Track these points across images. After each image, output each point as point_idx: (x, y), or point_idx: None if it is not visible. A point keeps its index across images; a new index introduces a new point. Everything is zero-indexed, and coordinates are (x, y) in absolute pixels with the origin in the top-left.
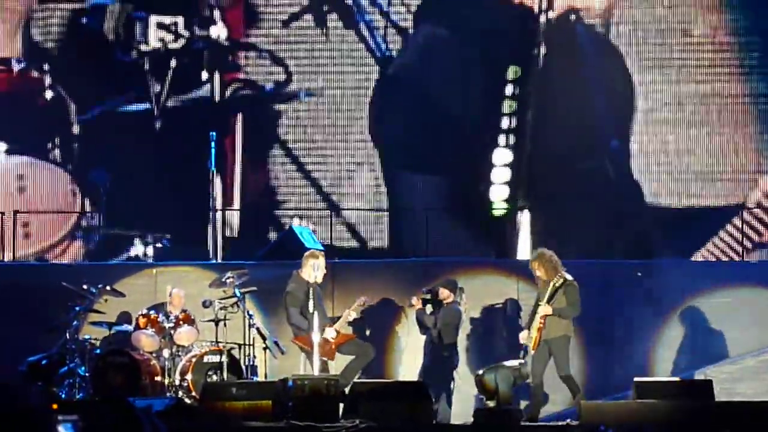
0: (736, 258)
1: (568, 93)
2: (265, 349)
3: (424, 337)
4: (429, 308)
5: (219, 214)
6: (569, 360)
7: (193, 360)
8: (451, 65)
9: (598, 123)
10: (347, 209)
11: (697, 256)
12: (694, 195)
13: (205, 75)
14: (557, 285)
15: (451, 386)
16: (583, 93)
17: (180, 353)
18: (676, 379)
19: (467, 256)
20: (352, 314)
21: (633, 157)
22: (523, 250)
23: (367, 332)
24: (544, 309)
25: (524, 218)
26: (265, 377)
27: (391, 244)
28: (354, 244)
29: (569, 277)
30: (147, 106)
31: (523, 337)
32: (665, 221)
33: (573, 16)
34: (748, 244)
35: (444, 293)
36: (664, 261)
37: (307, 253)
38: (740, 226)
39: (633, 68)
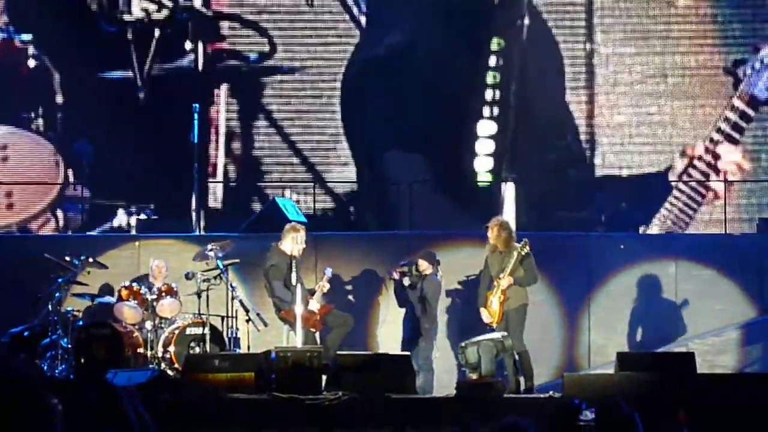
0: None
1: (549, 64)
2: (248, 321)
3: (404, 309)
4: (406, 280)
5: (202, 185)
6: (523, 330)
7: (176, 332)
8: (434, 37)
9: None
10: (331, 181)
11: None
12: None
13: (189, 45)
14: (522, 255)
15: (432, 358)
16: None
17: (162, 325)
18: (658, 351)
19: (450, 230)
20: (326, 285)
21: (614, 130)
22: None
23: (349, 304)
24: (506, 280)
25: (509, 190)
26: (248, 349)
27: (375, 216)
28: (337, 215)
29: (517, 243)
30: (130, 75)
31: (485, 317)
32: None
33: None
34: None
35: (423, 265)
36: (647, 235)
37: (287, 226)
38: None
39: (616, 39)
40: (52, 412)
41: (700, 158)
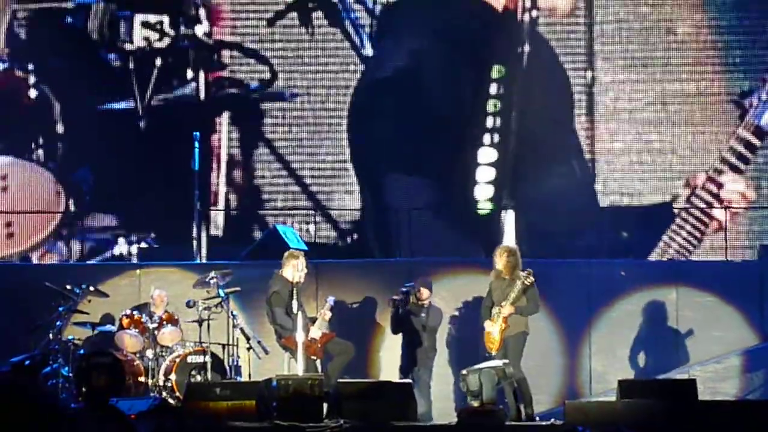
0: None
1: (550, 91)
2: (248, 349)
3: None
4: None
5: (203, 214)
6: (521, 358)
7: (177, 360)
8: (435, 65)
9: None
10: (332, 209)
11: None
12: (678, 194)
13: (190, 74)
14: (527, 284)
15: (430, 386)
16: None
17: (164, 353)
18: (660, 378)
19: (451, 256)
20: (328, 314)
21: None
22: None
23: (351, 331)
24: (508, 309)
25: (509, 217)
26: (249, 377)
27: (376, 243)
28: (339, 243)
29: (531, 278)
30: (131, 104)
31: (488, 344)
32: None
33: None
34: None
35: (426, 294)
36: (648, 261)
37: (287, 254)
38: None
39: (617, 67)
40: None
41: (703, 187)
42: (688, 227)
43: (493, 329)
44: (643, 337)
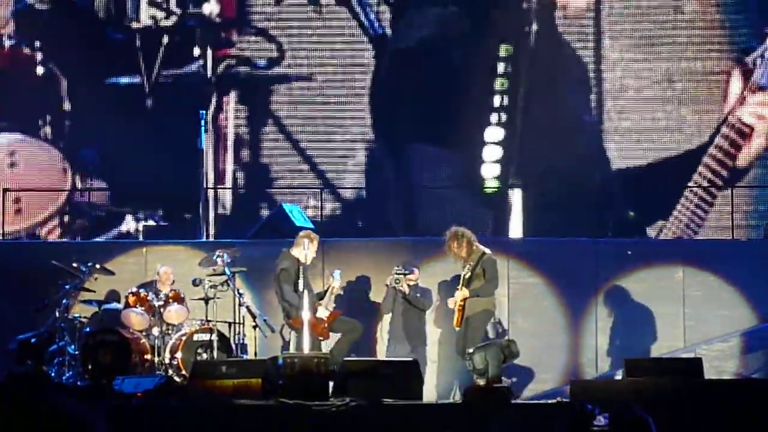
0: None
1: (556, 70)
2: (255, 327)
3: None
4: (404, 287)
5: (211, 192)
6: (485, 335)
7: (183, 338)
8: (444, 43)
9: (573, 101)
10: (340, 187)
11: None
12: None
13: (197, 51)
14: (475, 261)
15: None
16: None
17: (170, 332)
18: (666, 357)
19: None
20: (336, 285)
21: (621, 135)
22: (516, 228)
23: (357, 310)
24: (462, 293)
25: (516, 196)
26: (255, 356)
27: (383, 222)
28: (345, 221)
29: (487, 250)
30: (138, 82)
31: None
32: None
33: None
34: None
35: (417, 274)
36: (654, 240)
37: (302, 233)
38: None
39: (623, 46)
40: None
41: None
42: (696, 202)
43: (455, 310)
44: (649, 316)
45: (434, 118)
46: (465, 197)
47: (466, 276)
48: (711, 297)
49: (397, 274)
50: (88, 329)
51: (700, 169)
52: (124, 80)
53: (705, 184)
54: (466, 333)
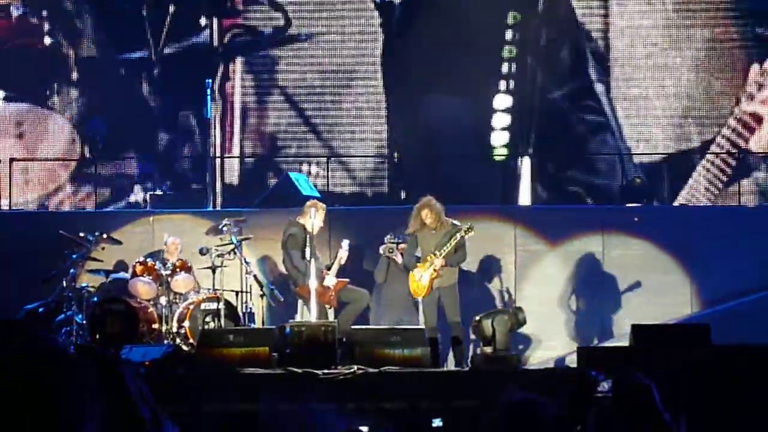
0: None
1: (565, 37)
2: (262, 296)
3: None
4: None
5: (218, 162)
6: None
7: (190, 307)
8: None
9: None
10: (347, 156)
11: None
12: (687, 139)
13: (203, 21)
14: (453, 233)
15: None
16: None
17: (177, 300)
18: (673, 323)
19: (464, 204)
20: (344, 255)
21: (630, 102)
22: (524, 196)
23: (364, 279)
24: (440, 261)
25: (525, 164)
26: (263, 324)
27: (391, 190)
28: (353, 190)
29: (456, 222)
30: (145, 52)
31: (416, 290)
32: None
33: None
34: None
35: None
36: (661, 206)
37: (310, 202)
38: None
39: (633, 12)
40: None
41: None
42: (713, 171)
43: (423, 276)
44: (656, 283)
45: (450, 66)
46: (475, 164)
47: (444, 243)
48: (719, 263)
49: (390, 242)
50: (95, 298)
51: (718, 139)
52: (132, 54)
53: (721, 152)
54: (440, 303)
